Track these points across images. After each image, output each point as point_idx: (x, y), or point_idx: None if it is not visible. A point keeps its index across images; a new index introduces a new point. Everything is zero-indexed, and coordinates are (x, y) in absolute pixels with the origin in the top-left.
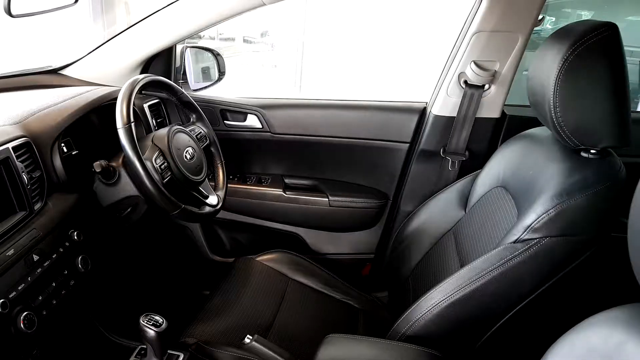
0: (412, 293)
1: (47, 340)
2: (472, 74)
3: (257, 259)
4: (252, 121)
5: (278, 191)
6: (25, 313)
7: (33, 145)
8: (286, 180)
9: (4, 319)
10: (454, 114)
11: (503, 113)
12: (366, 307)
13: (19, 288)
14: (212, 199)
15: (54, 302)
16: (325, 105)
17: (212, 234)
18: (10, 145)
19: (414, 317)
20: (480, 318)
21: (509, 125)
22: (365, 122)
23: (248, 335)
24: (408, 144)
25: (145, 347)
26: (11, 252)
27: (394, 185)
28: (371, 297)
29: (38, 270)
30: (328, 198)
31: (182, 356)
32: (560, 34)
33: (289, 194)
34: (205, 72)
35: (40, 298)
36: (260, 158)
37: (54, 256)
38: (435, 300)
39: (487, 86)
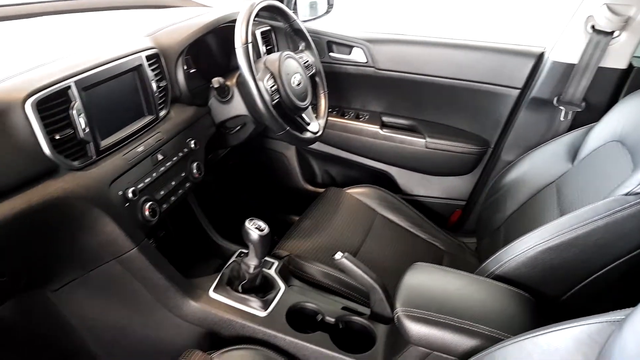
0: (503, 241)
1: (163, 233)
2: (602, 19)
3: (348, 190)
4: (357, 55)
5: (375, 128)
6: (149, 203)
7: (161, 57)
8: (384, 119)
9: (132, 205)
10: (575, 61)
11: (630, 65)
12: (452, 250)
13: (146, 181)
14: (314, 126)
15: (173, 198)
16: (433, 43)
17: (306, 163)
18: (143, 54)
19: (505, 258)
20: (575, 268)
21: (635, 79)
22: (475, 64)
23: (339, 252)
24: (519, 90)
25: (245, 250)
26: (141, 148)
27: (497, 133)
28: (458, 242)
29: (161, 169)
30: (425, 139)
31: (276, 263)
32: None
33: (386, 132)
34: (313, 7)
35: (162, 193)
36: (361, 93)
37: (174, 158)
38: (530, 243)
39: (616, 33)
